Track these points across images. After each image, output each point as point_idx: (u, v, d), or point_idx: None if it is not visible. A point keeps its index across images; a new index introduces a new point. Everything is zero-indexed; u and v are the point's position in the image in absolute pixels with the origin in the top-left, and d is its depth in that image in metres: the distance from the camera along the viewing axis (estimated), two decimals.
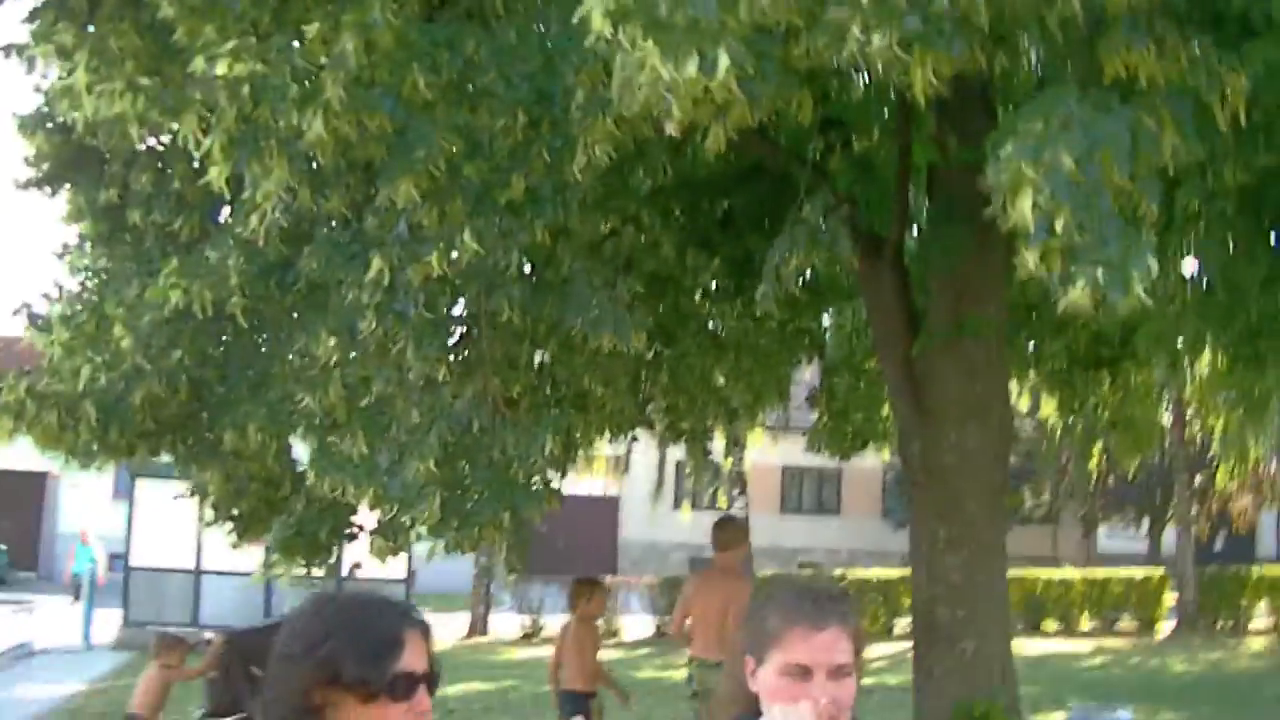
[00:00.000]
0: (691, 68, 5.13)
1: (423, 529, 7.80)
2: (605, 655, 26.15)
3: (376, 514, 8.30)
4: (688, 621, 11.23)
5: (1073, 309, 5.23)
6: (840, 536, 41.57)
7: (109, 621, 27.09)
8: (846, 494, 39.70)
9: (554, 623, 29.26)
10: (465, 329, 8.48)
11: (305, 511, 8.84)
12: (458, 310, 8.70)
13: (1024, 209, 5.10)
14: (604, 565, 40.38)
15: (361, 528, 9.12)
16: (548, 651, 25.67)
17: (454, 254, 7.09)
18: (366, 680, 2.66)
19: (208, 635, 11.81)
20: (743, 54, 5.22)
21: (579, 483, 17.06)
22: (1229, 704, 18.51)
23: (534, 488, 7.90)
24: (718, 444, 16.59)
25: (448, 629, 28.18)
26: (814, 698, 2.78)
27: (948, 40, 5.28)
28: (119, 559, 28.19)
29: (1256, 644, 28.08)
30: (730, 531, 11.39)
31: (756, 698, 2.97)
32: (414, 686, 2.72)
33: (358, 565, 13.67)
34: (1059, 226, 5.06)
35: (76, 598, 28.51)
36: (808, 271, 9.71)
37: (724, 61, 5.13)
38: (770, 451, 22.76)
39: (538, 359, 9.52)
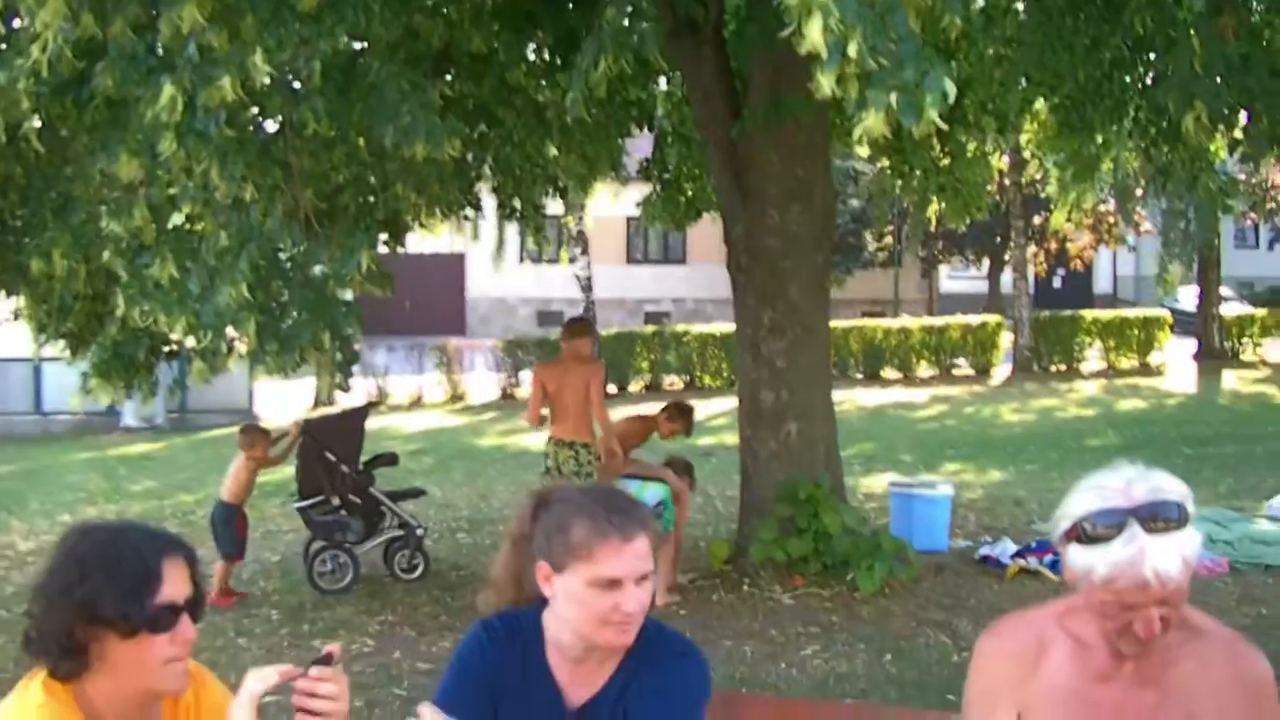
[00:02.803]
0: None
1: (241, 352, 7.68)
2: (452, 420, 26.54)
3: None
4: (544, 410, 11.30)
5: (868, 133, 5.20)
6: (686, 286, 41.87)
7: None
8: (693, 242, 39.78)
9: (400, 388, 29.29)
10: (272, 143, 8.16)
11: (121, 333, 8.62)
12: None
13: (814, 34, 4.99)
14: (452, 324, 40.40)
15: (180, 347, 8.96)
16: (394, 421, 25.98)
17: (248, 76, 6.79)
18: (126, 616, 2.64)
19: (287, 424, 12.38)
20: None
21: (424, 241, 16.85)
22: (1054, 456, 19.05)
23: (351, 304, 7.80)
24: (558, 202, 16.50)
25: (292, 400, 28.05)
26: (623, 605, 2.83)
27: None
28: None
29: (1087, 389, 28.88)
30: (578, 328, 11.64)
31: (531, 593, 3.02)
32: (175, 617, 2.71)
33: None
34: (852, 51, 4.97)
35: None
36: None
37: None
38: (614, 203, 22.71)
39: (351, 171, 9.29)
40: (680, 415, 11.16)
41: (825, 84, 5.06)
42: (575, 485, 3.59)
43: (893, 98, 4.98)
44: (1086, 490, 2.74)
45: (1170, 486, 2.69)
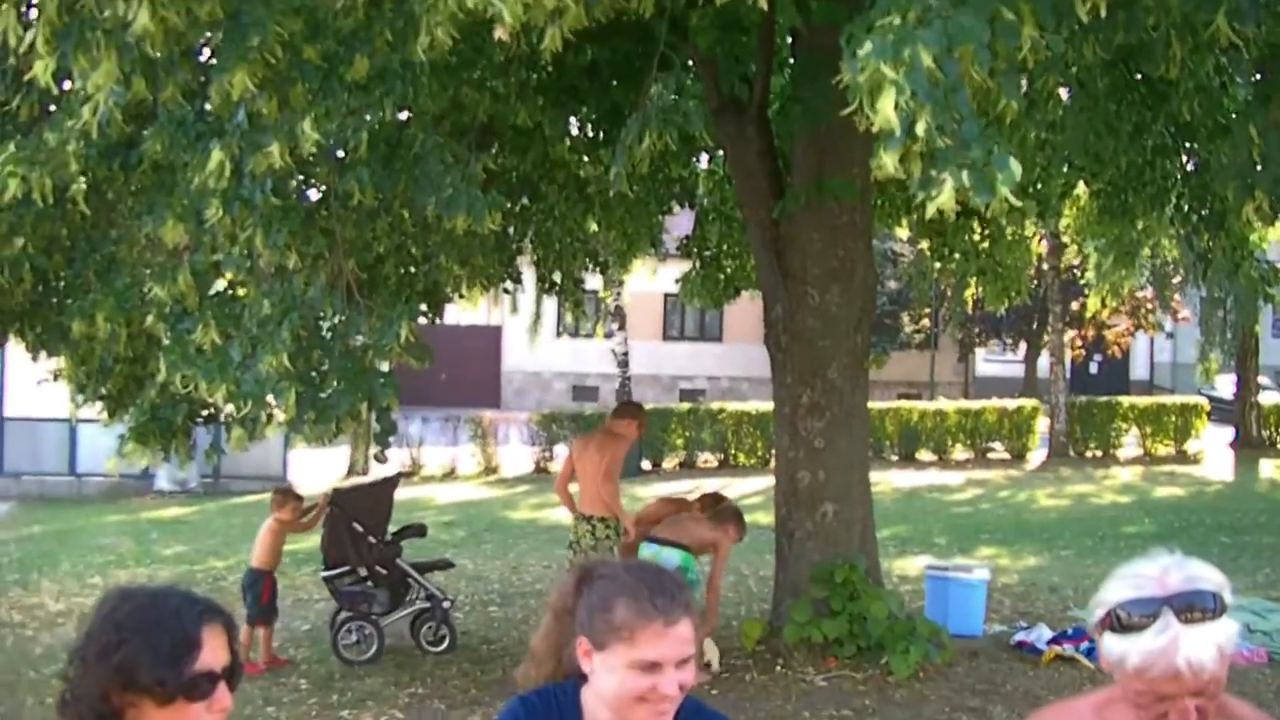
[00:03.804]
0: None
1: (280, 420, 7.69)
2: (485, 493, 26.53)
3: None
4: (572, 486, 11.41)
5: (940, 208, 5.17)
6: (722, 364, 41.82)
7: None
8: (729, 320, 39.77)
9: (434, 459, 29.34)
10: (316, 211, 8.21)
11: (160, 397, 8.65)
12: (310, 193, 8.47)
13: (886, 111, 4.96)
14: (487, 397, 40.44)
15: (218, 410, 8.97)
16: (427, 492, 25.98)
17: (297, 143, 6.84)
18: (163, 683, 2.61)
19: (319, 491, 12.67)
20: None
21: (461, 313, 16.96)
22: (1089, 542, 18.91)
23: (389, 375, 7.81)
24: (597, 277, 16.67)
25: (326, 469, 28.04)
26: (661, 687, 2.80)
27: None
28: None
29: (1123, 475, 28.56)
30: (623, 409, 12.08)
31: (570, 667, 2.99)
32: (213, 685, 2.68)
33: None
34: (920, 129, 4.96)
35: None
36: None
37: None
38: (652, 278, 22.88)
39: (393, 242, 9.34)
40: (714, 506, 11.17)
41: (889, 162, 5.03)
42: (619, 561, 3.55)
43: (964, 175, 4.97)
44: (1122, 578, 2.69)
45: (1207, 576, 2.64)
